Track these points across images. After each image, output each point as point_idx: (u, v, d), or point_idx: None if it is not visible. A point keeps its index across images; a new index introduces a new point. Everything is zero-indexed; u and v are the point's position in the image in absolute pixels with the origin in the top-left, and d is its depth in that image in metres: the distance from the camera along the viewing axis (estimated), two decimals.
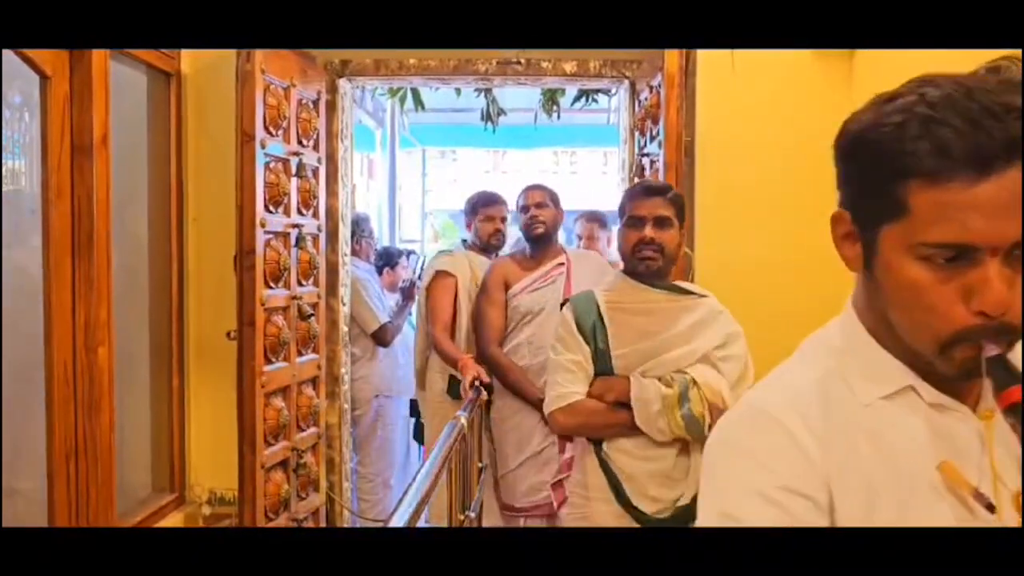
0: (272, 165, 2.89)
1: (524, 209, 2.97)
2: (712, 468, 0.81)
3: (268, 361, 2.88)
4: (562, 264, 2.94)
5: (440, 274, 3.11)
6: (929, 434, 0.76)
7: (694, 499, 1.80)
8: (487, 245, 3.23)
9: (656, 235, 1.97)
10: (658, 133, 2.91)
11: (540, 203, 2.95)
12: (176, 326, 3.16)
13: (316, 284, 3.24)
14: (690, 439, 1.94)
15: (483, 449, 2.86)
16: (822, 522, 0.74)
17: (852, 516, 0.74)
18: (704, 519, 0.77)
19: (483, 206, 3.24)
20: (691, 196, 2.83)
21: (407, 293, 3.83)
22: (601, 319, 2.01)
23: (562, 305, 2.19)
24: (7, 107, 2.29)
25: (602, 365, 2.00)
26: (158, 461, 3.16)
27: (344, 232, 3.49)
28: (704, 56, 2.99)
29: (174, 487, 3.18)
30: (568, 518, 2.13)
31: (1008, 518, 0.73)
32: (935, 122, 0.67)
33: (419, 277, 3.91)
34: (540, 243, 2.96)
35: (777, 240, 3.06)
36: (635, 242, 1.99)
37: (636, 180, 3.12)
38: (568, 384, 1.99)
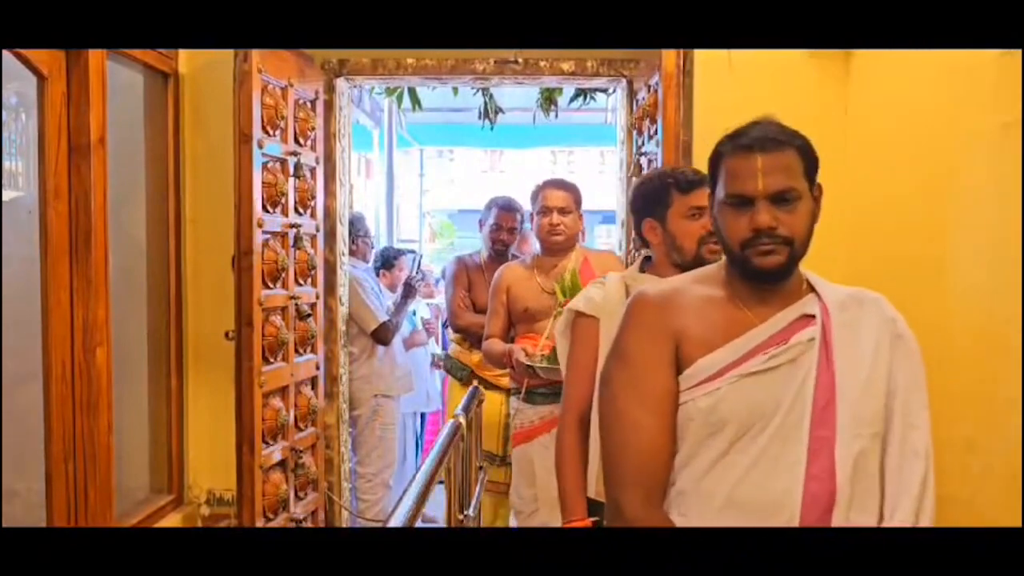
0: (270, 165, 2.89)
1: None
2: None
3: (266, 361, 2.88)
4: (812, 316, 1.25)
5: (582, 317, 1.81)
6: None
7: None
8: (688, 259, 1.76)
9: None
10: (656, 132, 2.91)
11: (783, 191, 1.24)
12: (174, 326, 3.16)
13: (314, 284, 3.23)
14: None
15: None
16: None
17: None
18: None
19: (684, 190, 1.78)
20: None
21: (408, 291, 3.82)
22: None
23: None
24: (4, 108, 2.29)
25: None
26: (156, 462, 3.16)
27: (342, 232, 3.48)
28: (701, 56, 2.99)
29: (172, 488, 3.17)
30: None
31: None
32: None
33: (418, 275, 3.91)
34: (778, 277, 1.26)
35: None
36: None
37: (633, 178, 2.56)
38: None
